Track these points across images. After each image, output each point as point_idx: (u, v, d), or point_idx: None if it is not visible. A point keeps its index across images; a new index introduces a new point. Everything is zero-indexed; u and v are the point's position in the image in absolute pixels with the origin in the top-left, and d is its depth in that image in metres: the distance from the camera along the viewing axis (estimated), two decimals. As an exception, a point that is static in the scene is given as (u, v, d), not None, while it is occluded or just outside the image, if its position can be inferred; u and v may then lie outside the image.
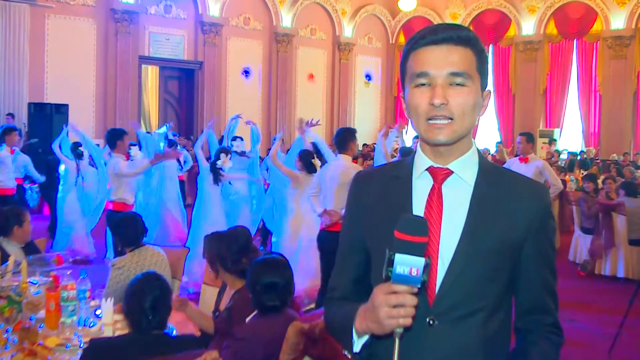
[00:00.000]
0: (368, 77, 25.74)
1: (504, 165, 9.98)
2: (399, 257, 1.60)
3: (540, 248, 1.89)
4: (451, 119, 1.78)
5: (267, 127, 21.96)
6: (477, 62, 1.83)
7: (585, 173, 14.60)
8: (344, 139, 7.34)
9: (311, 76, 23.84)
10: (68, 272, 4.19)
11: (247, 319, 3.73)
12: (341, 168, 7.12)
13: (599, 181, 11.31)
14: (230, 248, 4.40)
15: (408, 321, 1.61)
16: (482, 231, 1.81)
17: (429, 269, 1.60)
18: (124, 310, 3.48)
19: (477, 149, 1.94)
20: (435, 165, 1.88)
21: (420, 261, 1.59)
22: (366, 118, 25.49)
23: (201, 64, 20.61)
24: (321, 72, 24.21)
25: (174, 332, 3.83)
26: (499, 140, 23.12)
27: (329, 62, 24.43)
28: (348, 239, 2.06)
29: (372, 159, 17.54)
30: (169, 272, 5.32)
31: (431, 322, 1.80)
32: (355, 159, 9.38)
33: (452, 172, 1.87)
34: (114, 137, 8.24)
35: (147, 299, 3.36)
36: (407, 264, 1.59)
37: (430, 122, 1.80)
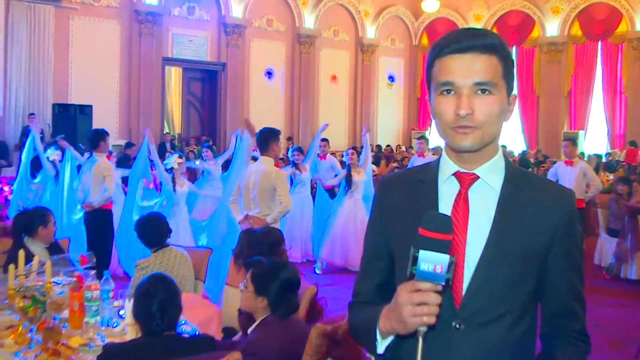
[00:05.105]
0: (391, 78, 25.68)
1: (550, 170, 10.32)
2: (423, 254, 1.59)
3: (567, 253, 1.88)
4: (477, 127, 1.78)
5: (290, 128, 22.02)
6: (503, 69, 1.82)
7: (611, 176, 14.49)
8: (266, 139, 6.87)
9: (334, 77, 23.84)
10: (92, 272, 4.20)
11: (249, 331, 3.70)
12: (262, 173, 6.74)
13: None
14: (260, 247, 4.42)
15: (432, 319, 1.61)
16: (508, 236, 1.81)
17: (453, 267, 1.60)
18: (134, 314, 3.47)
19: (504, 153, 1.94)
20: (462, 170, 1.88)
21: (445, 258, 1.59)
22: (389, 120, 25.47)
23: (224, 66, 20.68)
24: (344, 73, 24.20)
25: (197, 333, 3.83)
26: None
27: (351, 64, 24.42)
28: (372, 244, 2.06)
29: (396, 160, 17.53)
30: (192, 273, 5.34)
31: (457, 326, 1.79)
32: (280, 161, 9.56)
33: (479, 177, 1.87)
34: (97, 138, 8.24)
35: (154, 302, 3.35)
36: (431, 261, 1.59)
37: (456, 128, 1.80)
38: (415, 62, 25.92)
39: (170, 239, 5.46)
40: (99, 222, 8.11)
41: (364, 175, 10.06)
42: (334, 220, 10.03)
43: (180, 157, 9.04)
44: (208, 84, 21.25)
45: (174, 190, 8.76)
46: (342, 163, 11.56)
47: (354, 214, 9.96)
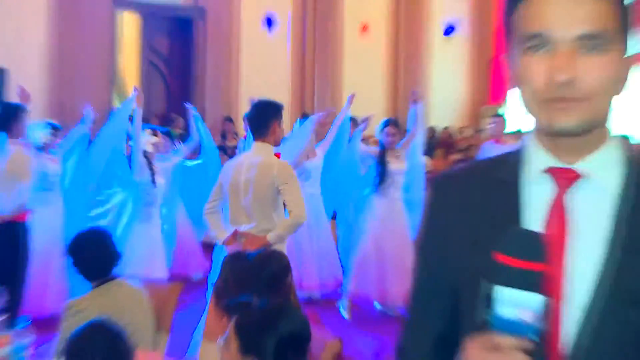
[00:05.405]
0: (450, 29, 25.60)
1: None
2: (502, 293, 1.56)
3: None
4: (583, 99, 1.73)
5: (301, 100, 21.96)
6: (620, 15, 1.77)
7: None
8: (263, 117, 6.74)
9: (365, 28, 23.82)
10: (1, 318, 4.18)
11: None
12: (258, 167, 6.59)
13: None
14: (254, 279, 4.41)
15: None
16: (632, 264, 1.74)
17: (549, 313, 1.57)
18: None
19: (622, 139, 1.89)
20: (558, 164, 1.84)
21: (536, 300, 1.55)
22: (447, 89, 25.28)
23: (203, 12, 20.70)
24: (379, 21, 24.21)
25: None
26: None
27: (390, 7, 24.41)
28: (427, 275, 2.06)
29: (459, 150, 17.52)
30: (150, 320, 5.29)
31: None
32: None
33: (584, 174, 1.82)
34: (8, 117, 8.27)
35: None
36: (515, 303, 1.55)
37: (552, 102, 1.75)
38: (486, 6, 25.85)
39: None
40: (9, 239, 8.12)
41: (405, 163, 9.89)
42: (362, 231, 9.89)
43: (154, 132, 8.87)
44: (178, 38, 21.36)
45: (153, 182, 8.61)
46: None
47: (390, 220, 9.80)
